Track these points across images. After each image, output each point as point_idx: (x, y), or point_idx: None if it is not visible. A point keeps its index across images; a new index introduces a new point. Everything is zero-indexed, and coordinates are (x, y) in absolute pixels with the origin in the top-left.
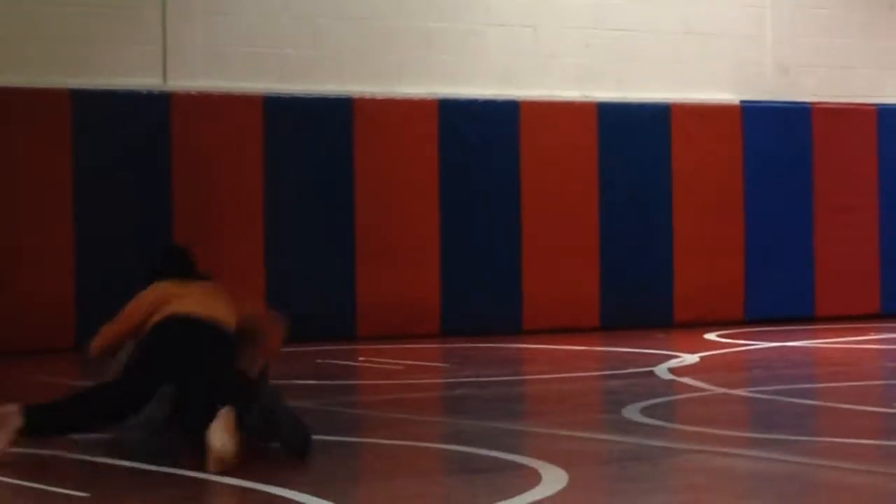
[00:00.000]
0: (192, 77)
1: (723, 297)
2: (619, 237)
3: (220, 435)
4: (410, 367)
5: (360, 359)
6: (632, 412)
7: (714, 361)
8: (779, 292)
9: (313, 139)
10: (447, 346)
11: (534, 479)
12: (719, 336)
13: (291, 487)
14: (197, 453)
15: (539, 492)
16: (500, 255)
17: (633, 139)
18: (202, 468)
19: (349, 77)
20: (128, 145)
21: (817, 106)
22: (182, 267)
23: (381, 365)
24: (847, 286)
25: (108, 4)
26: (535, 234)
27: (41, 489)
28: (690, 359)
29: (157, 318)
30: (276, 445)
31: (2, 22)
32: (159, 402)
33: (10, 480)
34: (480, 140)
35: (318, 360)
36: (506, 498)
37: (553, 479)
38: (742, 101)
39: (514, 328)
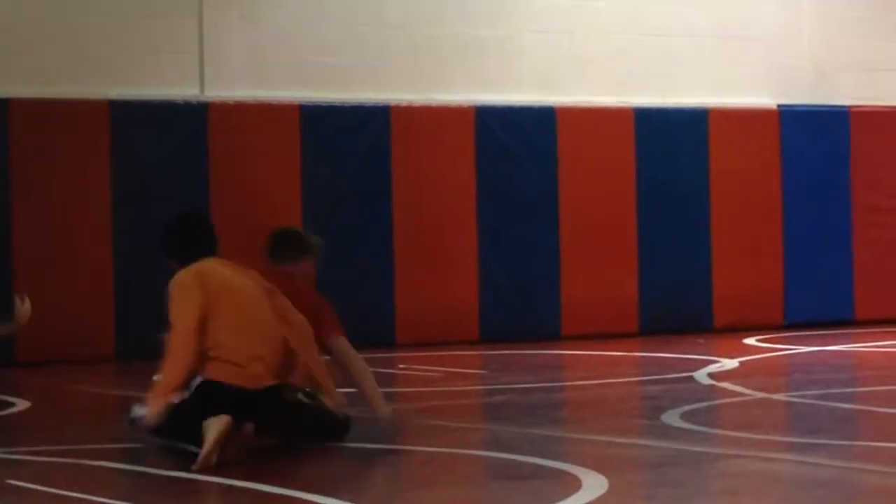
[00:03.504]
0: (230, 86)
1: (762, 301)
2: (657, 242)
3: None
4: (450, 373)
5: (400, 366)
6: (672, 417)
7: (754, 366)
8: (818, 296)
9: (351, 147)
10: (486, 352)
11: (574, 485)
12: (759, 340)
13: (332, 495)
14: (243, 462)
15: (580, 498)
16: (538, 260)
17: (671, 144)
18: (245, 477)
19: (386, 84)
20: (166, 155)
21: (854, 109)
22: (208, 245)
23: (420, 372)
24: (886, 289)
25: (145, 15)
26: (572, 239)
27: (84, 499)
28: (730, 363)
29: (206, 368)
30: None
31: (39, 34)
32: None
33: (53, 490)
34: (518, 146)
35: None
36: None
37: (593, 485)
38: (779, 105)
39: (552, 334)
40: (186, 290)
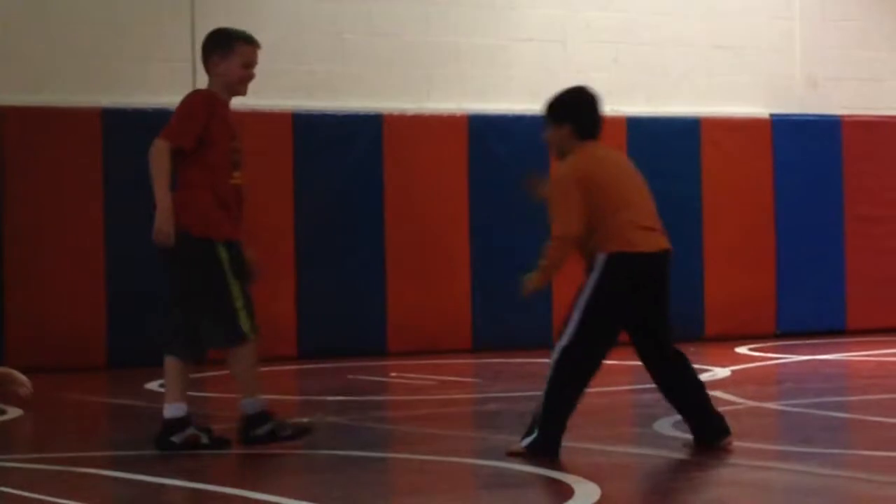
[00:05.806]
0: None
1: (754, 310)
2: None
3: None
4: (442, 382)
5: (392, 374)
6: (664, 426)
7: (745, 375)
8: (810, 305)
9: (343, 155)
10: (479, 361)
11: (567, 493)
12: (750, 350)
13: (324, 503)
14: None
15: None
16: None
17: (663, 153)
18: (235, 485)
19: (378, 93)
20: None
21: (847, 118)
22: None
23: (412, 380)
24: (879, 299)
25: (138, 23)
26: None
27: None
28: (722, 372)
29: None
30: None
31: (33, 42)
32: None
33: (43, 497)
34: (510, 155)
35: (350, 376)
36: None
37: (586, 493)
38: (771, 115)
39: (545, 342)
40: (567, 194)
